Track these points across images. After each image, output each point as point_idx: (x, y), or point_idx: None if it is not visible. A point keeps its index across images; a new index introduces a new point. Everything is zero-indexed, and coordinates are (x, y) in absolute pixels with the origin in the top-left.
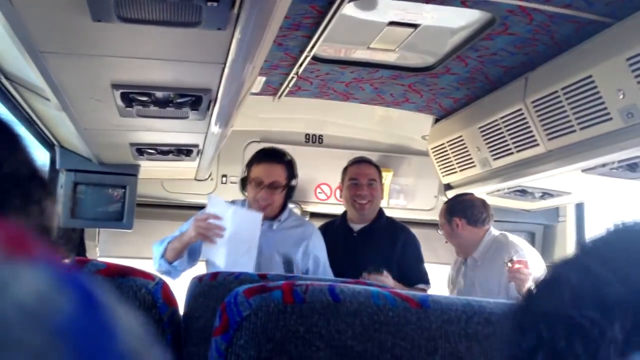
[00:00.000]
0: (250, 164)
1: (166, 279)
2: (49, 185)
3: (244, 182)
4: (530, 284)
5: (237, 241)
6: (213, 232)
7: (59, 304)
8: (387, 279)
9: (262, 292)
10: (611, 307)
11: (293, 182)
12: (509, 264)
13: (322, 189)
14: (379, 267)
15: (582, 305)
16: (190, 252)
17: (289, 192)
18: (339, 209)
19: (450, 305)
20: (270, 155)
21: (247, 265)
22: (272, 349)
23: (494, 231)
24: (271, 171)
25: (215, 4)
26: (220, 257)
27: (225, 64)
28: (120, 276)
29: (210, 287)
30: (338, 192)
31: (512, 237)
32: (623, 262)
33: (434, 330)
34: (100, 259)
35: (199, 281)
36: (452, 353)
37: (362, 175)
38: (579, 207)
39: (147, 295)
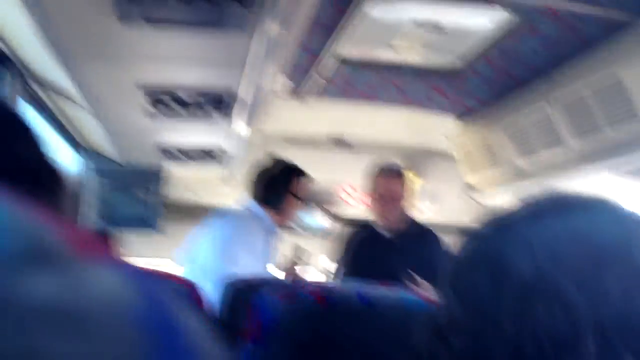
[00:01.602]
0: (290, 180)
1: None
2: (72, 183)
3: (283, 198)
4: None
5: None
6: None
7: (132, 299)
8: (428, 290)
9: (294, 296)
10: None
11: None
12: None
13: (348, 192)
14: (417, 275)
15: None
16: None
17: None
18: (364, 212)
19: None
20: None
21: None
22: (303, 353)
23: None
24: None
25: (239, 6)
26: None
27: (247, 65)
28: None
29: (242, 292)
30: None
31: None
32: (580, 263)
33: None
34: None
35: (231, 286)
36: None
37: (387, 190)
38: None
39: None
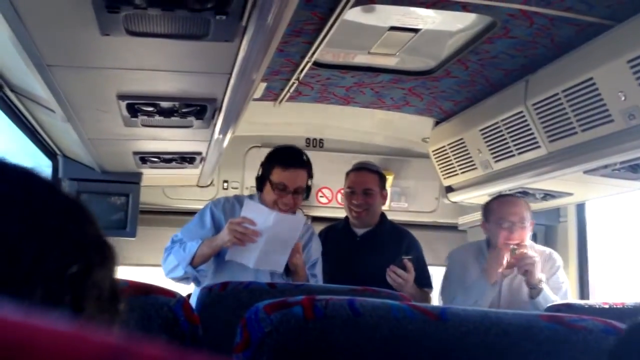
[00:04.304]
0: (270, 166)
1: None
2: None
3: (260, 181)
4: (540, 274)
5: (274, 243)
6: (249, 238)
7: None
8: (410, 275)
9: (283, 307)
10: None
11: (310, 182)
12: (513, 252)
13: (324, 193)
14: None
15: None
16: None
17: (307, 192)
18: (339, 213)
19: (468, 317)
20: (294, 160)
21: (277, 263)
22: None
23: None
24: (296, 177)
25: (224, 17)
26: (251, 258)
27: (231, 74)
28: (143, 294)
29: (220, 297)
30: (339, 195)
31: None
32: None
33: (453, 342)
34: None
35: (208, 291)
36: None
37: (358, 183)
38: (580, 208)
39: (169, 313)
